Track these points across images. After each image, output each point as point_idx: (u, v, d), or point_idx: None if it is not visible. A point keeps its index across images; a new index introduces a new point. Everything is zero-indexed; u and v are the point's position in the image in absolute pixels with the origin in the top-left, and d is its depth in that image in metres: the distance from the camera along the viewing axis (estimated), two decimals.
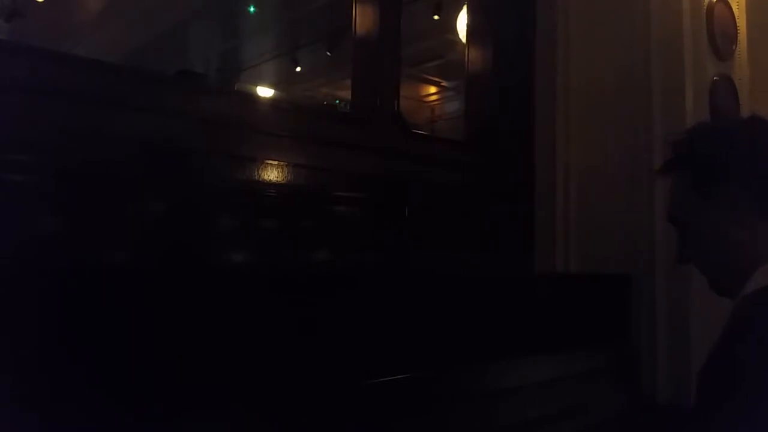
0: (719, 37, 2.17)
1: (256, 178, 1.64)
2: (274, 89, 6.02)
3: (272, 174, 1.66)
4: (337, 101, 5.78)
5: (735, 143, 1.08)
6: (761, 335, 0.91)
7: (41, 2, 4.76)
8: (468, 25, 2.52)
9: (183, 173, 1.51)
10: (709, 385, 0.94)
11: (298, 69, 6.42)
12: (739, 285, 1.02)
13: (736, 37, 2.28)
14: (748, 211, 1.04)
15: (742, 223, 1.04)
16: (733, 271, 1.04)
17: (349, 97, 2.13)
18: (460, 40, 3.36)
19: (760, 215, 1.03)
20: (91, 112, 1.38)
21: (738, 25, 2.30)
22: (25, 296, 0.85)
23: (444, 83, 7.01)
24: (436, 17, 5.02)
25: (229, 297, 1.07)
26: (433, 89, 7.30)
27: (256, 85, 5.90)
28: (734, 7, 2.29)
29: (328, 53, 5.58)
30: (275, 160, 1.67)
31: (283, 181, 1.68)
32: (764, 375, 0.87)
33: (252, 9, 5.40)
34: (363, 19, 1.99)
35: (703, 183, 1.08)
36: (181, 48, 5.87)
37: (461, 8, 3.30)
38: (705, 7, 2.14)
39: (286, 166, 1.69)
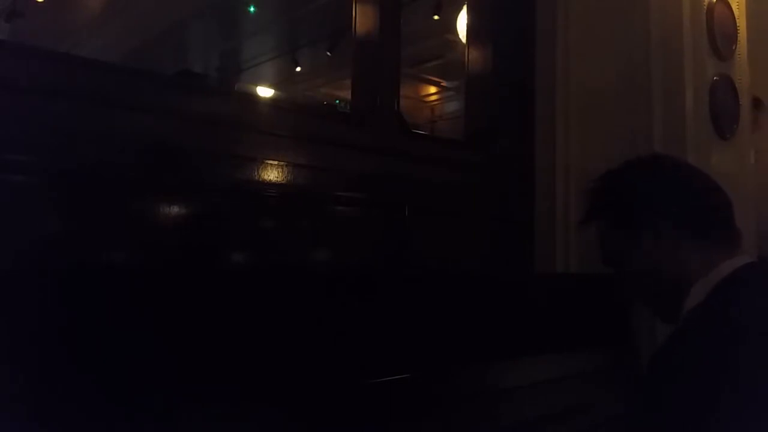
0: (719, 37, 2.16)
1: (256, 178, 1.63)
2: (274, 89, 6.02)
3: (272, 174, 1.66)
4: (337, 101, 5.78)
5: (648, 179, 1.20)
6: (695, 348, 0.97)
7: (41, 2, 4.77)
8: (468, 25, 2.52)
9: (182, 173, 1.51)
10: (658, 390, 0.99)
11: (298, 69, 6.43)
12: (680, 307, 1.10)
13: (736, 37, 2.28)
14: (674, 235, 1.12)
15: (672, 247, 1.13)
16: (674, 295, 1.12)
17: (349, 97, 2.13)
18: (460, 40, 3.36)
19: (685, 237, 1.12)
20: (91, 112, 1.38)
21: (738, 25, 2.29)
22: (26, 296, 0.85)
23: (444, 83, 7.02)
24: (436, 17, 5.03)
25: (229, 296, 1.07)
26: (433, 89, 7.31)
27: (256, 85, 5.91)
28: (734, 7, 2.28)
29: (328, 53, 5.59)
30: (275, 160, 1.66)
31: (283, 181, 1.68)
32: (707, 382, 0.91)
33: (252, 9, 5.40)
34: (363, 19, 1.99)
35: (629, 221, 1.17)
36: (181, 48, 5.88)
37: (461, 8, 3.30)
38: (705, 7, 2.13)
39: (286, 166, 1.68)
